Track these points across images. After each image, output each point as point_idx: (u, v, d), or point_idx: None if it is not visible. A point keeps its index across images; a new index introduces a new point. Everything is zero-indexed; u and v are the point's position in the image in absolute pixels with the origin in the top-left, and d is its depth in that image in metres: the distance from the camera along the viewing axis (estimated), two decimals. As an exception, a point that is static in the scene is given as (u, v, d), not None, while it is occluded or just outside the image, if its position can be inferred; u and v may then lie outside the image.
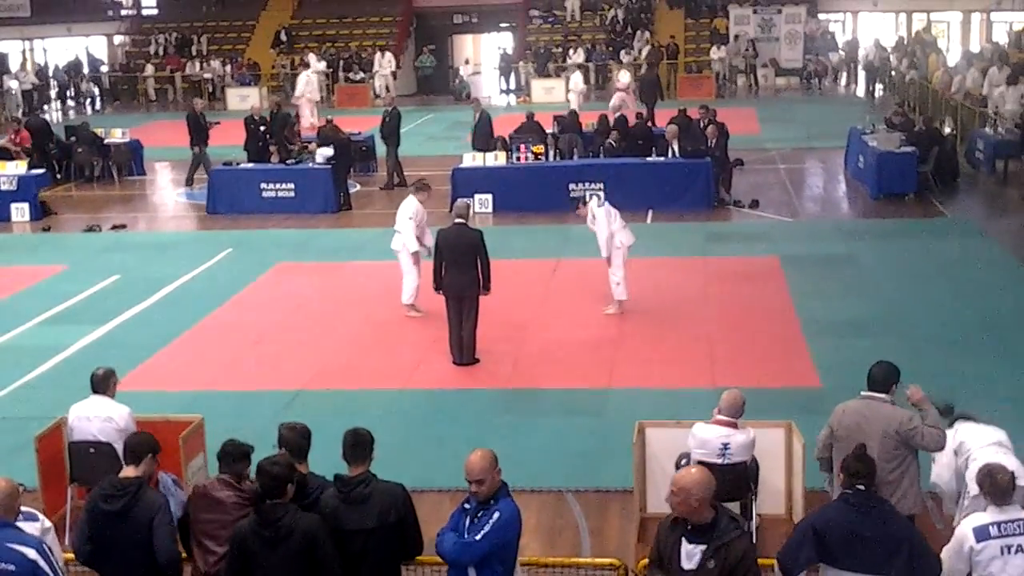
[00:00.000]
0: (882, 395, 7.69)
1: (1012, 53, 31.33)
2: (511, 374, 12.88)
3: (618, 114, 25.23)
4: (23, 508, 6.74)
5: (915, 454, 7.60)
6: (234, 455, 6.93)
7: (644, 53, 40.20)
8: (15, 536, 6.29)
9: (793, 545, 6.45)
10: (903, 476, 7.54)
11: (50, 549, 6.41)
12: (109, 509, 6.68)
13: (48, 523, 6.86)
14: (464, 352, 13.00)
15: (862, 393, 7.77)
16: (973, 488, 7.20)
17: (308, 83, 32.92)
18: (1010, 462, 7.26)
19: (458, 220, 13.04)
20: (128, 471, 6.86)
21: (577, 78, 34.39)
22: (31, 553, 6.22)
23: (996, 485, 6.35)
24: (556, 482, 10.00)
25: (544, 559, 7.47)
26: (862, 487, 6.43)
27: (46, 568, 6.23)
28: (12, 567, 6.16)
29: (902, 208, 20.59)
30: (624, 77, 32.57)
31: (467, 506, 6.56)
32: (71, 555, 7.26)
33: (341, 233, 20.17)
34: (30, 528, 6.58)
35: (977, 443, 7.73)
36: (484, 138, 23.29)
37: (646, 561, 7.20)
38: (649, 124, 24.67)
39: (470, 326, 12.97)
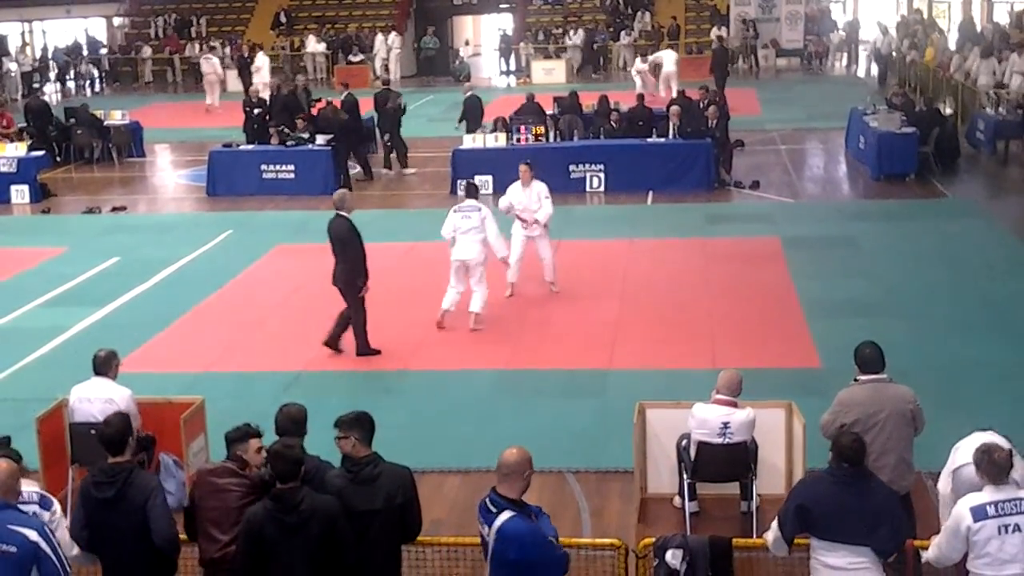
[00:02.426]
0: (884, 375, 7.73)
1: (1013, 33, 31.26)
2: (511, 355, 12.89)
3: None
4: (40, 492, 6.75)
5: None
6: (234, 437, 6.89)
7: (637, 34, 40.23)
8: (16, 518, 6.29)
9: (782, 519, 6.65)
10: (911, 453, 7.68)
11: (52, 531, 6.42)
12: (102, 496, 6.63)
13: (58, 510, 6.77)
14: (357, 343, 12.75)
15: (861, 378, 7.77)
16: (944, 489, 7.26)
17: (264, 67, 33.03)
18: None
19: (338, 211, 12.65)
20: (117, 458, 6.78)
21: (670, 57, 32.64)
22: (32, 535, 6.22)
23: (993, 463, 6.36)
24: (557, 463, 10.02)
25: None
26: (847, 465, 6.55)
27: (47, 550, 6.23)
28: (13, 549, 6.16)
29: (903, 189, 20.57)
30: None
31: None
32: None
33: (341, 215, 20.12)
34: (44, 516, 6.58)
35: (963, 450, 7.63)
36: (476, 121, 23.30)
37: (648, 541, 7.25)
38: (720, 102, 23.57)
39: (356, 320, 12.66)
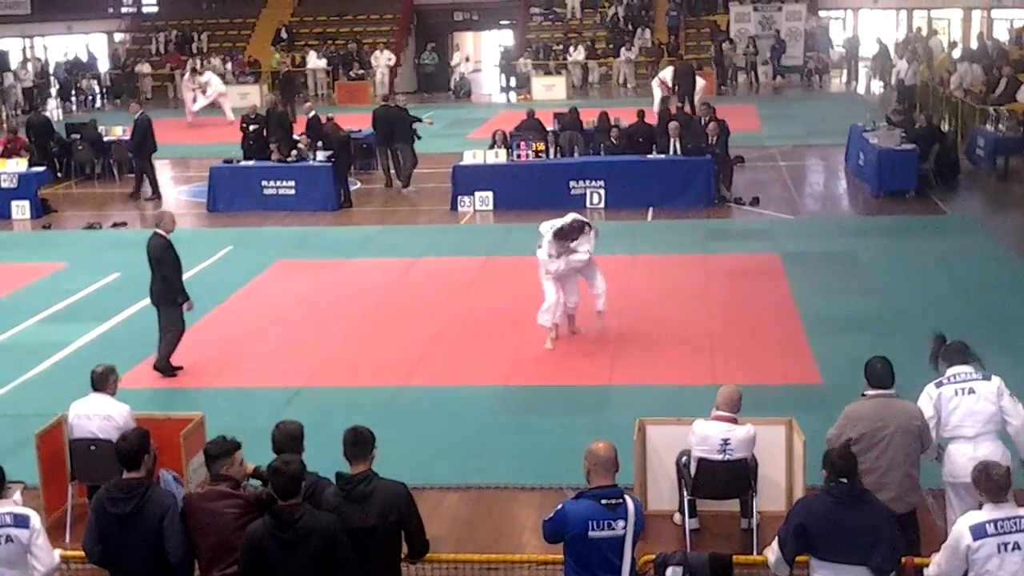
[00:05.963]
0: (892, 391, 7.72)
1: (1013, 51, 31.30)
2: (511, 371, 12.88)
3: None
4: (18, 511, 6.72)
5: None
6: (220, 453, 6.80)
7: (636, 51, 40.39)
8: None
9: (783, 540, 6.63)
10: (918, 470, 7.69)
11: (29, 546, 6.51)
12: (118, 512, 6.61)
13: (37, 526, 6.73)
14: (159, 355, 12.75)
15: (869, 392, 7.76)
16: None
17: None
18: (992, 448, 7.54)
19: (156, 230, 12.89)
20: (131, 473, 6.77)
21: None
22: None
23: (991, 481, 6.37)
24: (557, 479, 9.99)
25: (544, 556, 7.46)
26: (844, 481, 6.54)
27: None
28: None
29: (903, 205, 20.57)
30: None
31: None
32: (73, 552, 7.28)
33: (341, 231, 20.16)
34: (22, 535, 6.59)
35: (959, 431, 7.78)
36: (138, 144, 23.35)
37: (648, 558, 7.23)
38: (689, 115, 23.66)
39: (167, 339, 12.66)
